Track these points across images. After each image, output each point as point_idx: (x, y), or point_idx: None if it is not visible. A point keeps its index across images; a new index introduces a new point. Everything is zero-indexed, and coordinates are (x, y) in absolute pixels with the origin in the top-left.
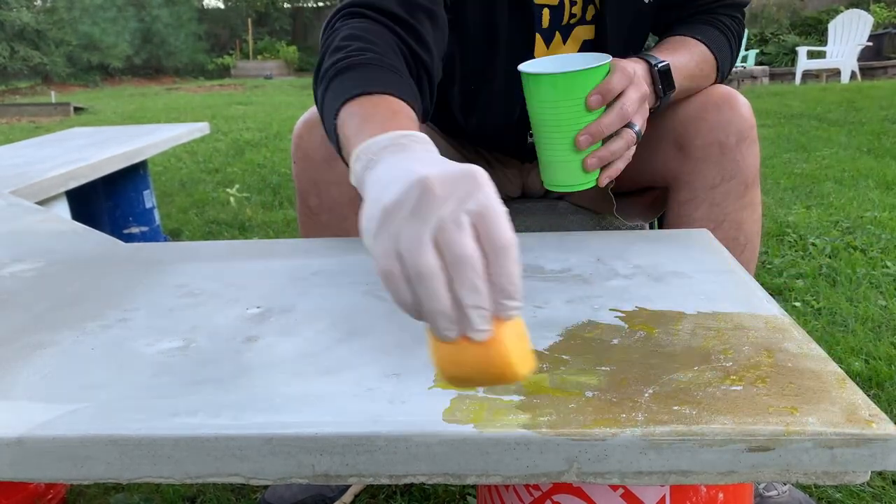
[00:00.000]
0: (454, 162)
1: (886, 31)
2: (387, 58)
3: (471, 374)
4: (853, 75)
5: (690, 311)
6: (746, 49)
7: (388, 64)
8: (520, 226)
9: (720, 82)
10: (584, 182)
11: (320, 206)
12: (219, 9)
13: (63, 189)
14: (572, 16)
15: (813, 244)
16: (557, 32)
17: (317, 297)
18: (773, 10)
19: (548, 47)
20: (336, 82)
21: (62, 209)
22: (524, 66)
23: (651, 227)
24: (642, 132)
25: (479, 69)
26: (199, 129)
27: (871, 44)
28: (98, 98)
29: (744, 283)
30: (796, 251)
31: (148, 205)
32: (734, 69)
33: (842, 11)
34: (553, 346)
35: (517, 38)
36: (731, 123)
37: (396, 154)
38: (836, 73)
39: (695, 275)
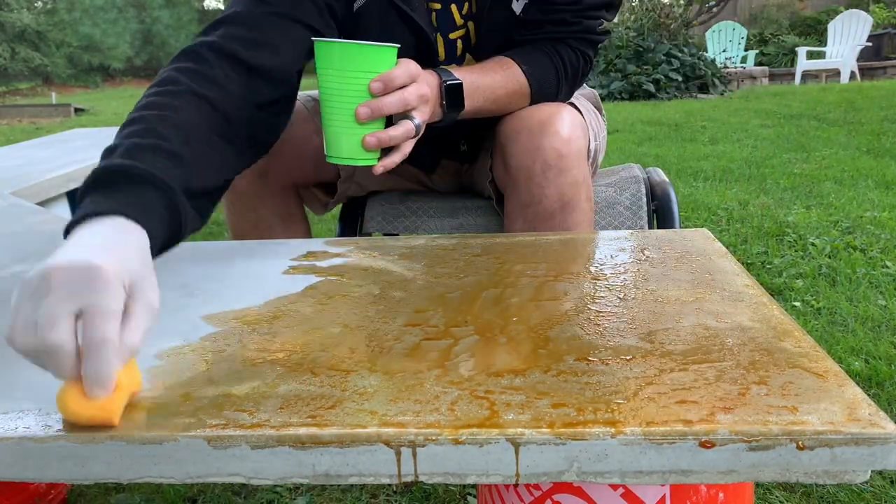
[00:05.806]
0: (111, 249)
1: (886, 31)
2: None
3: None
4: (853, 75)
5: (690, 311)
6: (746, 49)
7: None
8: None
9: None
10: (362, 158)
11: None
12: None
13: (64, 190)
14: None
15: (813, 244)
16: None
17: (316, 297)
18: (773, 10)
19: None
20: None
21: (63, 210)
22: (318, 38)
23: (650, 227)
24: (422, 129)
25: None
26: None
27: (870, 44)
28: (99, 99)
29: (744, 283)
30: (796, 251)
31: None
32: (734, 69)
33: (841, 12)
34: (552, 345)
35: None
36: (539, 150)
37: (85, 230)
38: (835, 73)
39: (694, 274)
